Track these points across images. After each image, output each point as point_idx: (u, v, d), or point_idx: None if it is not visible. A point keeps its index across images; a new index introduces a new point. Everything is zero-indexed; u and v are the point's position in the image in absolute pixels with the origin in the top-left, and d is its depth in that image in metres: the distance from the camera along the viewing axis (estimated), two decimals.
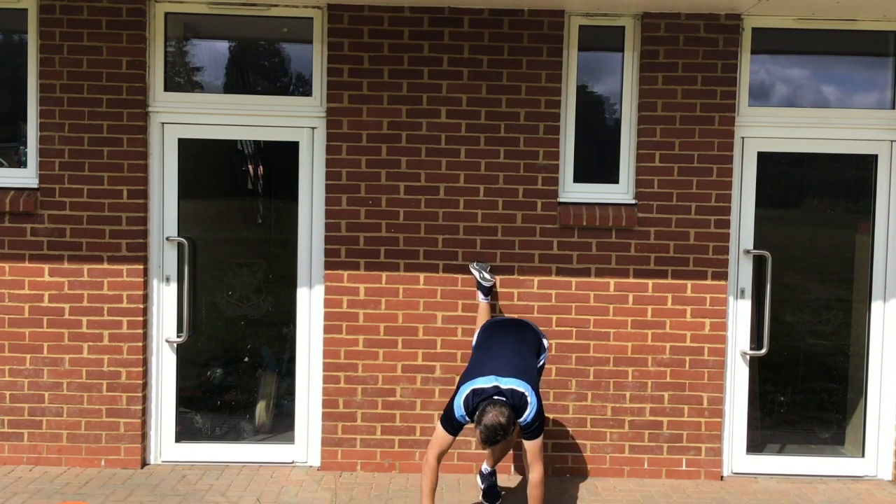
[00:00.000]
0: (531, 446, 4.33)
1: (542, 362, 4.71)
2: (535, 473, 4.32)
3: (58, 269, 5.30)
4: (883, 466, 5.56)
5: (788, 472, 5.56)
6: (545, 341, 4.78)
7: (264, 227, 5.72)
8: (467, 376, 4.41)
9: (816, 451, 5.68)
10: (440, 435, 4.35)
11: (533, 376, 4.47)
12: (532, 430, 4.32)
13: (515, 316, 5.18)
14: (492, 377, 4.31)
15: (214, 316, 5.64)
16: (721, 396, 5.43)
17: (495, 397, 4.23)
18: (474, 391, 4.28)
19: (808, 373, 5.76)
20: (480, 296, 5.16)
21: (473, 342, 4.82)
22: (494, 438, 4.16)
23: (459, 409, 4.30)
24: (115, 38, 5.25)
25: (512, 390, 4.26)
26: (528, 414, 4.28)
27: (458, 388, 4.39)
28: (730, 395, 5.52)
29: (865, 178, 5.56)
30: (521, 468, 4.88)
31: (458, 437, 4.41)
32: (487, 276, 5.15)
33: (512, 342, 4.59)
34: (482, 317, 5.09)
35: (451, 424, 4.33)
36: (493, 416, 4.12)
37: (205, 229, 5.58)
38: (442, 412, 4.43)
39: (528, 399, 4.28)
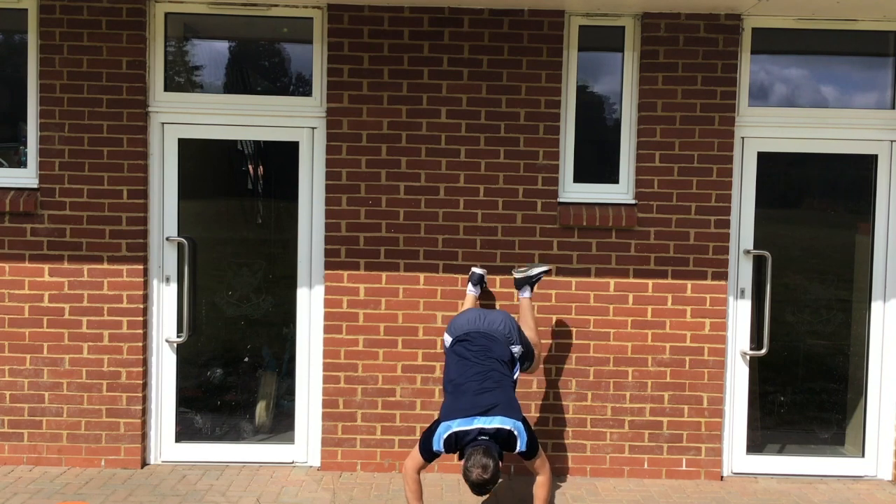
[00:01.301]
0: (533, 463, 4.37)
1: (517, 372, 4.59)
2: (543, 476, 4.40)
3: (58, 269, 5.30)
4: (883, 466, 5.56)
5: (788, 472, 5.56)
6: (515, 344, 4.57)
7: (264, 227, 5.72)
8: (447, 413, 4.31)
9: (816, 451, 5.68)
10: (417, 456, 4.36)
11: (515, 404, 4.36)
12: (528, 454, 4.33)
13: (481, 309, 4.91)
14: (474, 419, 4.22)
15: (214, 316, 5.64)
16: (721, 396, 5.43)
17: (480, 438, 4.19)
18: (456, 434, 4.23)
19: (808, 373, 5.76)
20: (469, 286, 5.18)
21: (446, 344, 4.65)
22: (484, 491, 4.12)
23: (439, 445, 4.27)
24: (115, 39, 5.25)
25: (497, 430, 4.21)
26: (520, 445, 4.28)
27: (438, 421, 4.33)
28: (730, 395, 5.52)
29: (865, 178, 5.55)
30: (523, 468, 4.88)
31: None
32: (478, 270, 5.21)
33: (487, 369, 4.40)
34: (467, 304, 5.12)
35: (429, 453, 4.32)
36: (477, 474, 4.05)
37: (205, 229, 5.58)
38: (421, 438, 4.40)
39: (517, 433, 4.25)
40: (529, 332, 4.83)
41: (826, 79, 5.64)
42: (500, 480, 4.61)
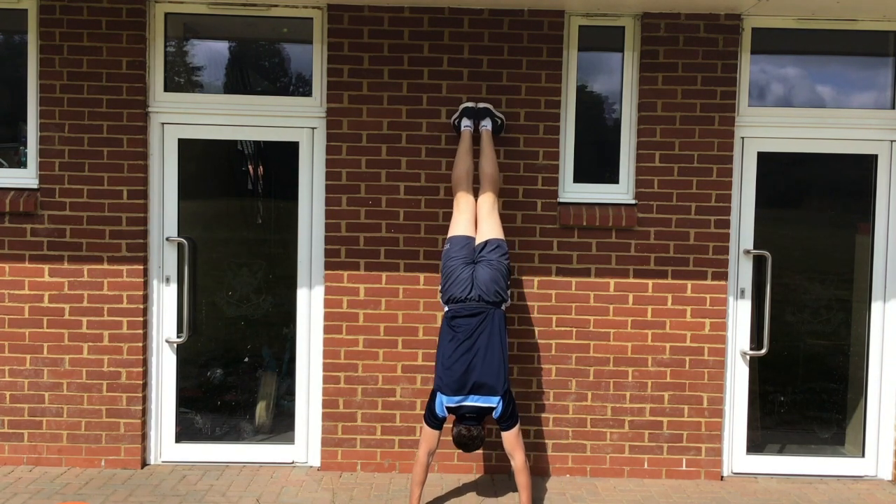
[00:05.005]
0: (508, 436, 4.63)
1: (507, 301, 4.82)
2: (518, 460, 4.62)
3: (58, 270, 5.30)
4: (883, 466, 5.56)
5: (789, 472, 5.57)
6: (505, 300, 4.75)
7: (264, 227, 5.72)
8: (440, 385, 4.63)
9: (816, 451, 5.68)
10: (427, 432, 4.69)
11: (501, 378, 4.60)
12: (505, 421, 4.63)
13: (470, 264, 4.75)
14: (462, 398, 4.60)
15: (214, 316, 5.64)
16: (721, 396, 5.43)
17: (466, 415, 4.61)
18: (447, 406, 4.64)
19: (808, 373, 5.76)
20: (465, 121, 5.12)
21: (442, 266, 4.79)
22: (468, 451, 4.69)
23: (442, 410, 4.66)
24: (115, 39, 5.25)
25: (480, 407, 4.60)
26: (496, 412, 4.63)
27: (433, 393, 4.68)
28: (730, 395, 5.52)
29: (865, 178, 5.55)
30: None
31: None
32: (471, 104, 5.19)
33: (475, 347, 4.62)
34: (462, 155, 5.02)
35: (435, 419, 4.67)
36: (462, 445, 4.63)
37: (205, 229, 5.58)
38: (426, 413, 4.73)
39: (495, 406, 4.60)
40: (492, 165, 4.99)
41: (826, 79, 5.64)
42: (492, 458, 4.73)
